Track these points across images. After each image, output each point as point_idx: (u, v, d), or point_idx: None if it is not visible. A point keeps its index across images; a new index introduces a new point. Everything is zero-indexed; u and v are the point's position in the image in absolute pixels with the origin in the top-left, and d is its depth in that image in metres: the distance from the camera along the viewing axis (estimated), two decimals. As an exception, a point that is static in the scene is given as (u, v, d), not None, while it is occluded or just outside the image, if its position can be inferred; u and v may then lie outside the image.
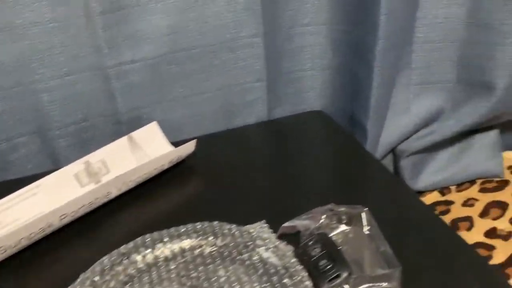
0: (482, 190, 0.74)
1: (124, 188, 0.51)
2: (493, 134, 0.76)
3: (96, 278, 0.38)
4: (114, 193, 0.50)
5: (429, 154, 0.75)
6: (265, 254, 0.39)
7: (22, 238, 0.43)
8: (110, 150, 0.55)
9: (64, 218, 0.46)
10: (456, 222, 0.70)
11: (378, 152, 0.69)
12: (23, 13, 0.49)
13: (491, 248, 0.64)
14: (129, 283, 0.38)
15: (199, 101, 0.61)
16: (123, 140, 0.56)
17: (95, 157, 0.54)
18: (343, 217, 0.42)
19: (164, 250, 0.41)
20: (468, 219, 0.70)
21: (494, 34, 0.61)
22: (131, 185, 0.52)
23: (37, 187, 0.50)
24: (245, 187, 0.52)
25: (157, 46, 0.56)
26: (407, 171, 0.75)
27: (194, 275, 0.38)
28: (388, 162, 0.77)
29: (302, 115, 0.68)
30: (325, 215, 0.42)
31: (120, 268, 0.39)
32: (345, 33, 0.60)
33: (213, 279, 0.37)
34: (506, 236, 0.65)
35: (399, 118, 0.69)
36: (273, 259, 0.39)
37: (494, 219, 0.68)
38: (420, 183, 0.76)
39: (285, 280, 0.36)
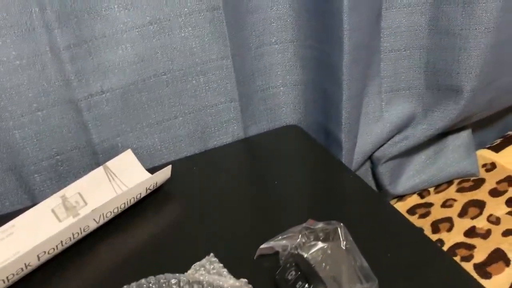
0: (460, 190, 0.76)
1: (102, 221, 0.51)
2: (465, 134, 0.77)
3: None
4: (92, 226, 0.50)
5: (406, 158, 0.77)
6: None
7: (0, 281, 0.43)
8: (86, 182, 0.55)
9: (42, 256, 0.46)
10: (436, 223, 0.72)
11: (354, 161, 0.70)
12: (-12, 53, 0.49)
13: (471, 247, 0.65)
14: None
15: (173, 125, 0.62)
16: (99, 170, 0.56)
17: (71, 191, 0.54)
18: (320, 234, 0.43)
19: None
20: (448, 220, 0.71)
21: (456, 40, 0.63)
22: (109, 216, 0.52)
23: (13, 227, 0.49)
24: (224, 208, 0.53)
25: (125, 75, 0.56)
26: (385, 177, 0.76)
27: None
28: (366, 169, 0.79)
29: (278, 130, 0.69)
30: (301, 234, 0.42)
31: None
32: (312, 49, 0.61)
33: None
34: (485, 235, 0.66)
35: (372, 126, 0.70)
36: None
37: (473, 218, 0.69)
38: (399, 188, 0.77)
39: None
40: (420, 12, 0.65)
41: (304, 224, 0.43)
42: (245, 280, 0.41)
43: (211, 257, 0.44)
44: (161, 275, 0.41)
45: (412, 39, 0.66)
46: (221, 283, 0.40)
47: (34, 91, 0.53)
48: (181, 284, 0.41)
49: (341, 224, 0.42)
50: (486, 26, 0.60)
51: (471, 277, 0.41)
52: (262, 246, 0.43)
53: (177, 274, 0.42)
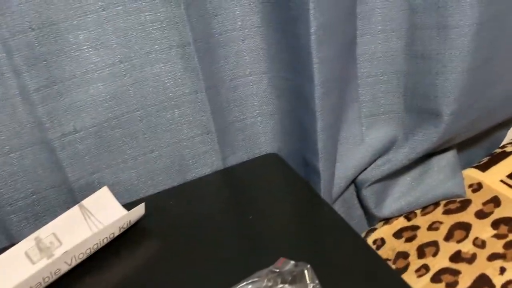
0: (446, 212, 0.75)
1: (74, 262, 0.51)
2: (450, 155, 0.77)
3: None
4: (64, 269, 0.50)
5: (391, 180, 0.76)
6: None
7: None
8: (61, 221, 0.55)
9: (12, 303, 0.46)
10: (422, 248, 0.71)
11: (336, 185, 0.70)
12: (-43, 99, 0.50)
13: (456, 273, 0.64)
14: None
15: (149, 159, 0.62)
16: (74, 209, 0.56)
17: (46, 231, 0.54)
18: (287, 276, 0.42)
19: None
20: (434, 243, 0.70)
21: (433, 63, 0.62)
22: (81, 257, 0.51)
23: (-14, 272, 0.49)
24: (198, 245, 0.52)
25: (98, 113, 0.56)
26: (370, 200, 0.75)
27: None
28: (351, 193, 0.78)
29: (257, 159, 0.68)
30: (267, 278, 0.42)
31: None
32: (286, 80, 0.61)
33: None
34: (470, 259, 0.65)
35: (353, 151, 0.70)
36: None
37: (458, 241, 0.68)
38: (385, 210, 0.77)
39: None
40: (396, 37, 0.64)
41: (271, 267, 0.43)
42: None
43: None
44: None
45: (389, 64, 0.66)
46: None
47: (6, 133, 0.53)
48: None
49: (308, 266, 0.42)
50: (461, 50, 0.60)
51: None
52: None
53: None
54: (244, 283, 0.42)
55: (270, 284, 0.42)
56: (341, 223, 0.52)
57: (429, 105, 0.66)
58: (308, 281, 0.41)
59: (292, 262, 0.43)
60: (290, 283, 0.42)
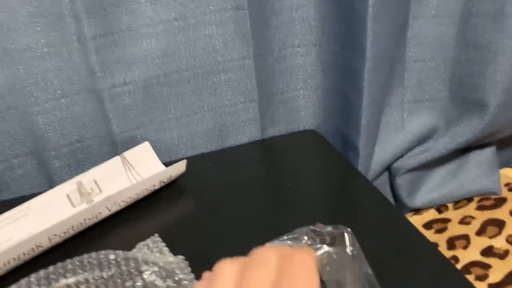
0: (480, 208, 0.74)
1: (114, 209, 0.52)
2: (489, 151, 0.75)
3: None
4: (104, 213, 0.51)
5: (426, 171, 0.75)
6: (149, 278, 0.41)
7: (11, 259, 0.44)
8: (103, 170, 0.56)
9: (53, 238, 0.47)
10: (452, 240, 0.70)
11: (372, 170, 0.69)
12: (18, 39, 0.51)
13: (487, 267, 0.63)
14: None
15: (192, 121, 0.62)
16: (116, 160, 0.57)
17: (87, 177, 0.55)
18: (326, 237, 0.42)
19: None
20: (465, 237, 0.69)
21: (484, 53, 0.61)
22: (122, 205, 0.52)
23: (28, 208, 0.51)
24: (235, 206, 0.53)
25: (148, 68, 0.57)
26: (403, 188, 0.75)
27: None
28: (384, 180, 0.77)
29: (295, 134, 0.68)
30: (307, 236, 0.42)
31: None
32: (334, 54, 0.61)
33: None
34: (502, 255, 0.64)
35: (393, 136, 0.69)
36: (158, 282, 0.40)
37: (491, 237, 0.67)
38: (417, 201, 0.76)
39: None
40: (448, 23, 0.63)
41: (311, 226, 0.43)
42: (182, 256, 0.43)
43: (156, 237, 0.47)
44: (102, 251, 0.44)
45: (439, 50, 0.65)
46: (156, 259, 0.41)
47: (60, 78, 0.55)
48: (118, 259, 0.43)
49: (349, 229, 0.42)
50: (516, 40, 0.59)
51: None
52: (266, 245, 0.43)
53: (117, 251, 0.44)
54: (285, 237, 0.42)
55: (309, 242, 0.42)
56: (379, 197, 0.52)
57: (476, 95, 0.65)
58: (348, 244, 0.41)
59: (331, 226, 0.43)
60: (329, 244, 0.42)
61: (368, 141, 0.62)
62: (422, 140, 0.71)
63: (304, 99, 0.67)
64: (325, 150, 0.64)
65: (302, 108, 0.67)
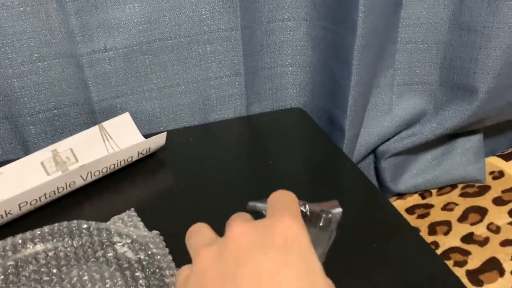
0: (463, 195, 0.73)
1: (89, 179, 0.50)
2: (476, 139, 0.75)
3: None
4: (79, 183, 0.49)
5: (411, 156, 0.75)
6: (121, 250, 0.40)
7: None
8: (80, 139, 0.54)
9: (24, 206, 0.45)
10: (434, 225, 0.70)
11: (357, 152, 0.68)
12: (-8, -4, 0.48)
13: (466, 253, 0.63)
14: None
15: (175, 93, 0.60)
16: (94, 129, 0.55)
17: (63, 146, 0.53)
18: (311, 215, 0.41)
19: (17, 255, 0.40)
20: (446, 223, 0.69)
21: (477, 37, 0.60)
22: (97, 175, 0.51)
23: (1, 174, 0.49)
24: (215, 182, 0.51)
25: (130, 35, 0.55)
26: (388, 172, 0.74)
27: (46, 278, 0.37)
28: (369, 163, 0.77)
29: (281, 112, 0.67)
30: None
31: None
32: (325, 29, 0.59)
33: (66, 280, 0.37)
34: (482, 242, 0.64)
35: (380, 118, 0.68)
36: (129, 254, 0.40)
37: (472, 224, 0.67)
38: (401, 185, 0.75)
39: (137, 273, 0.37)
40: (443, 5, 0.62)
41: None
42: (157, 231, 0.42)
43: (131, 211, 0.46)
44: (74, 221, 0.43)
45: (431, 33, 0.64)
46: (130, 232, 0.41)
47: (36, 40, 0.52)
48: (91, 229, 0.42)
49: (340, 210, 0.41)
50: (510, 25, 0.57)
51: (458, 278, 0.40)
52: (249, 203, 0.41)
53: (90, 221, 0.43)
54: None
55: None
56: (363, 179, 0.51)
57: (466, 80, 0.64)
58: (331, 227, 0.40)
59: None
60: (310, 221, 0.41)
61: (354, 122, 0.61)
62: (409, 124, 0.70)
63: (292, 76, 0.65)
64: (311, 129, 0.63)
65: (290, 85, 0.65)
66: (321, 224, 0.40)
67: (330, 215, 0.41)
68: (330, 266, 0.38)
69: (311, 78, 0.64)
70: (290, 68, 0.64)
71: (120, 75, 0.57)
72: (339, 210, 0.42)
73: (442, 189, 0.76)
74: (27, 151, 0.58)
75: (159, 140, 0.55)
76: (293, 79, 0.65)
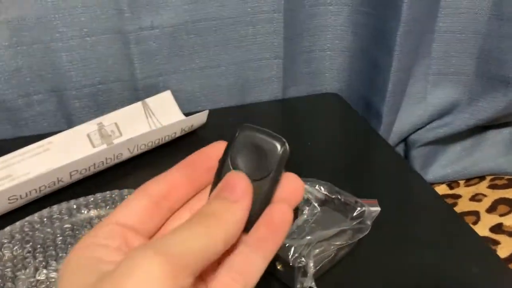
0: (491, 187, 0.74)
1: (135, 152, 0.51)
2: (507, 131, 0.75)
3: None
4: (125, 155, 0.51)
5: (441, 146, 0.75)
6: None
7: (32, 190, 0.44)
8: (124, 114, 0.56)
9: (74, 174, 0.47)
10: (462, 215, 0.70)
11: (390, 140, 0.69)
12: (48, -30, 0.50)
13: (495, 243, 0.63)
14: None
15: (215, 73, 0.61)
16: (137, 105, 0.57)
17: (108, 120, 0.55)
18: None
19: (72, 219, 0.41)
20: (475, 213, 0.69)
21: (517, 28, 0.60)
22: (142, 148, 0.52)
23: (49, 143, 0.50)
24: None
25: (177, 14, 0.56)
26: (417, 161, 0.74)
27: None
28: (399, 151, 0.77)
29: (317, 96, 0.68)
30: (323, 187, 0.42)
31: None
32: (367, 15, 0.60)
33: None
34: (511, 233, 0.64)
35: (414, 107, 0.69)
36: None
37: (501, 215, 0.68)
38: (430, 175, 0.76)
39: None
40: (484, -5, 0.62)
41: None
42: None
43: None
44: (125, 189, 0.44)
45: (470, 23, 0.64)
46: None
47: (87, 16, 0.53)
48: None
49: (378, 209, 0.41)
50: (552, 17, 0.57)
51: (500, 261, 0.41)
52: None
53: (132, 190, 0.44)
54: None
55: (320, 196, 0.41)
56: (401, 161, 0.52)
57: (502, 71, 0.64)
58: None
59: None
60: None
61: (392, 108, 0.61)
62: (442, 114, 0.70)
63: (330, 61, 0.65)
64: (348, 114, 0.63)
65: (327, 70, 0.66)
66: (354, 215, 0.41)
67: (364, 209, 0.42)
68: (372, 250, 0.40)
69: (349, 63, 0.65)
70: (328, 52, 0.65)
71: (164, 54, 0.58)
72: (376, 208, 0.43)
73: (470, 180, 0.76)
74: (70, 125, 0.59)
75: (201, 118, 0.56)
76: (331, 64, 0.66)
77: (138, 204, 0.22)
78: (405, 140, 0.74)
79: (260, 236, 0.21)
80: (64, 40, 0.54)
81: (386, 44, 0.57)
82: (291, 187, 0.23)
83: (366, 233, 0.43)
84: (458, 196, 0.74)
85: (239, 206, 0.20)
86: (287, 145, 0.24)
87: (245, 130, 0.24)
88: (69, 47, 0.54)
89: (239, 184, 0.21)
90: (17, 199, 0.43)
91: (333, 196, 0.42)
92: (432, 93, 0.69)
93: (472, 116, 0.69)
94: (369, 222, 0.43)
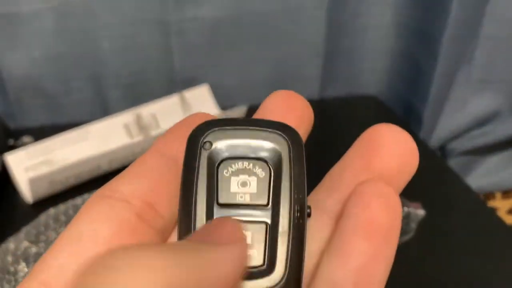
0: (530, 201, 0.71)
1: (173, 143, 0.51)
2: (548, 144, 0.72)
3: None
4: (164, 146, 0.50)
5: (478, 156, 0.73)
6: None
7: (71, 176, 0.43)
8: (161, 105, 0.55)
9: (114, 163, 0.46)
10: (498, 229, 0.68)
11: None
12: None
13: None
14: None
15: (253, 69, 0.60)
16: (175, 98, 0.56)
17: (146, 110, 0.54)
18: None
19: None
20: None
21: None
22: (180, 141, 0.51)
23: (87, 132, 0.50)
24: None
25: (220, 6, 0.55)
26: (453, 171, 0.73)
27: None
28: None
29: (356, 98, 0.66)
30: None
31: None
32: (411, 17, 0.59)
33: None
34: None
35: (453, 114, 0.67)
36: None
37: (540, 230, 0.65)
38: (464, 186, 0.74)
39: None
40: (533, 2, 0.60)
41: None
42: None
43: None
44: None
45: (516, 30, 0.62)
46: None
47: (131, 4, 0.53)
48: None
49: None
50: None
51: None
52: None
53: None
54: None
55: None
56: (444, 166, 0.50)
57: (548, 81, 0.62)
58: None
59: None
60: None
61: (434, 113, 0.60)
62: (482, 123, 0.68)
63: (371, 62, 0.64)
64: (387, 118, 0.62)
65: (367, 71, 0.65)
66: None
67: (409, 210, 0.41)
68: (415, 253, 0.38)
69: (390, 66, 0.64)
70: (370, 53, 0.63)
71: (204, 47, 0.57)
72: (420, 211, 0.41)
73: (507, 193, 0.74)
74: (106, 114, 0.58)
75: (239, 113, 0.55)
76: (372, 65, 0.65)
77: None
78: (442, 148, 0.72)
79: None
80: (107, 28, 0.53)
81: (430, 48, 0.55)
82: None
83: (411, 236, 0.42)
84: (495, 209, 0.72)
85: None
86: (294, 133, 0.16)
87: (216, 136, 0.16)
88: (110, 35, 0.54)
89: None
90: (57, 184, 0.42)
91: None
92: (471, 101, 0.67)
93: (513, 126, 0.67)
94: (413, 225, 0.42)
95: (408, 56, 0.61)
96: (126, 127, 0.53)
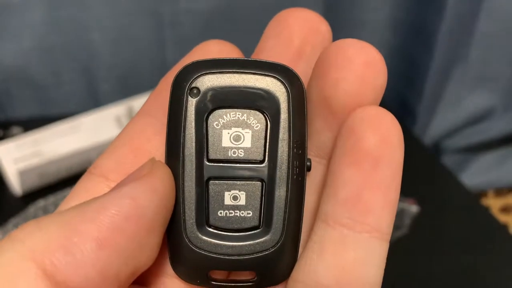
0: (522, 199, 0.71)
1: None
2: (542, 143, 0.73)
3: None
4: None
5: (471, 154, 0.73)
6: None
7: (62, 168, 0.43)
8: (154, 98, 0.54)
9: (104, 155, 0.45)
10: (491, 227, 0.68)
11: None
12: None
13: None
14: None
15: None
16: (168, 91, 0.55)
17: (138, 103, 0.53)
18: None
19: None
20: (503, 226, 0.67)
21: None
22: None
23: (78, 124, 0.49)
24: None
25: (216, -2, 0.54)
26: (446, 168, 0.72)
27: None
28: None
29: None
30: None
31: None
32: (408, 11, 0.58)
33: None
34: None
35: (447, 112, 0.67)
36: None
37: (533, 228, 0.65)
38: (457, 184, 0.74)
39: None
40: (529, -1, 0.60)
41: None
42: None
43: None
44: None
45: (511, 27, 0.62)
46: None
47: (123, -6, 0.52)
48: None
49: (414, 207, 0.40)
50: None
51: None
52: None
53: None
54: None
55: None
56: (437, 163, 0.50)
57: (543, 79, 0.62)
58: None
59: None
60: None
61: (428, 109, 0.60)
62: (476, 120, 0.68)
63: (365, 58, 0.64)
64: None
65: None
66: None
67: (401, 206, 0.41)
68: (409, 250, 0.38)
69: (386, 60, 0.63)
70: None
71: (197, 39, 0.56)
72: (414, 207, 0.41)
73: (500, 191, 0.74)
74: (97, 106, 0.58)
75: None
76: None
77: None
78: (436, 145, 0.72)
79: None
80: (99, 18, 0.53)
81: (426, 42, 0.55)
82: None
83: (405, 232, 0.41)
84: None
85: None
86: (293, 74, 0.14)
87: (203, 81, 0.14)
88: (103, 27, 0.53)
89: None
90: (47, 176, 0.42)
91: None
92: (466, 98, 0.67)
93: (507, 125, 0.67)
94: (407, 221, 0.42)
95: (404, 51, 0.61)
96: (118, 119, 0.52)
